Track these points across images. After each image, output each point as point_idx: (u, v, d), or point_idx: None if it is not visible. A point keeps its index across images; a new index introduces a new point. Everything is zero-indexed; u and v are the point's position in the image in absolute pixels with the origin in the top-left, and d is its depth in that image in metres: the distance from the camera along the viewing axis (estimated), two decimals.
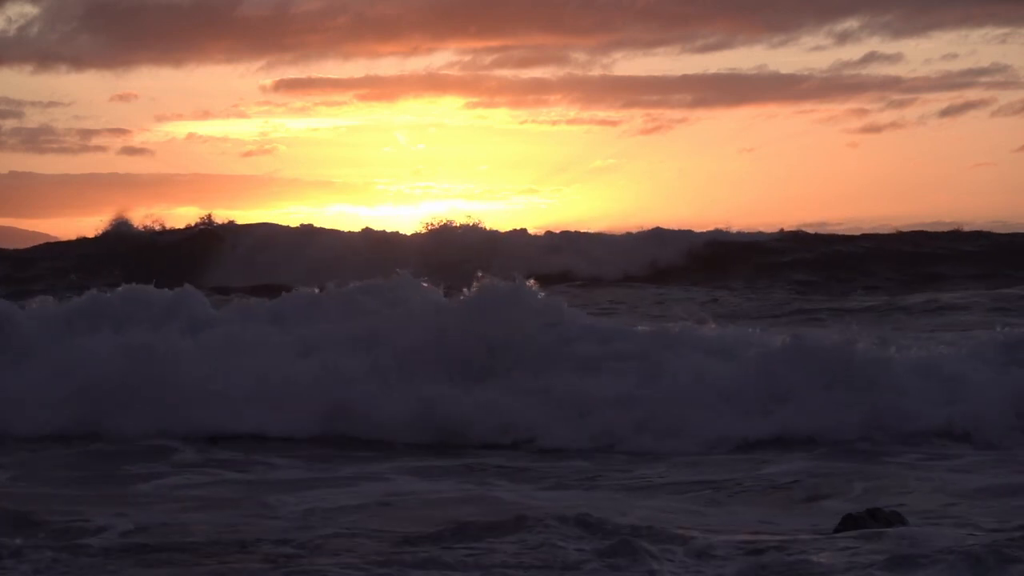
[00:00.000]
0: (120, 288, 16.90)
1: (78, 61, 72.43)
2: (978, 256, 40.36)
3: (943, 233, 43.33)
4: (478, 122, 68.08)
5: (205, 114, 78.42)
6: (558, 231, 44.36)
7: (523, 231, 43.60)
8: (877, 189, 77.12)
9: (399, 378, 15.09)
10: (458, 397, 14.74)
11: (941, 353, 15.79)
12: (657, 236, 42.79)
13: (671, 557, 8.02)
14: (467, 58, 77.66)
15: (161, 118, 75.77)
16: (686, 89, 71.27)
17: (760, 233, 43.57)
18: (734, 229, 43.42)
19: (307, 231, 43.45)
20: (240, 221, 44.69)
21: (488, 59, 79.60)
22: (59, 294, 18.66)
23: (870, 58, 67.57)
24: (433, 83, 66.78)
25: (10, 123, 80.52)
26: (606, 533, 8.47)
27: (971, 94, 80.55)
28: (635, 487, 11.85)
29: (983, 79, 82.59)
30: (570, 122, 68.66)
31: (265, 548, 8.43)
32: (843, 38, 75.25)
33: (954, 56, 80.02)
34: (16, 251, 43.91)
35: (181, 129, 78.35)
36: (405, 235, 42.81)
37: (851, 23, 79.87)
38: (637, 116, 79.47)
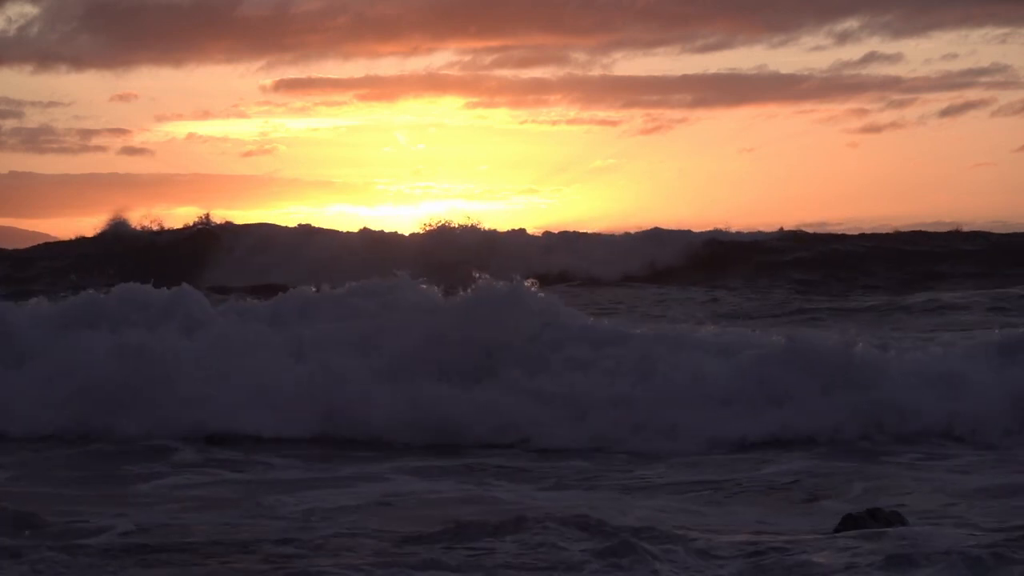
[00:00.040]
0: (116, 288, 16.88)
1: (78, 61, 72.49)
2: (978, 256, 40.34)
3: (943, 233, 43.33)
4: (478, 122, 68.14)
5: (205, 114, 78.49)
6: (557, 231, 44.41)
7: (522, 231, 43.57)
8: (877, 189, 77.17)
9: (398, 379, 15.09)
10: (457, 397, 14.74)
11: (941, 353, 15.80)
12: (656, 236, 42.75)
13: (672, 558, 8.02)
14: (467, 58, 77.71)
15: (161, 118, 75.81)
16: (686, 89, 71.32)
17: (760, 233, 43.54)
18: (733, 229, 43.49)
19: (305, 231, 43.43)
20: (240, 221, 44.74)
21: (488, 59, 79.64)
22: (58, 294, 18.65)
23: (870, 58, 67.64)
24: (433, 83, 66.84)
25: (10, 123, 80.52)
26: (606, 534, 8.47)
27: (971, 94, 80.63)
28: (635, 487, 11.84)
29: (983, 79, 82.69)
30: (570, 122, 68.74)
31: (265, 548, 8.42)
32: (843, 38, 75.31)
33: (954, 56, 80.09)
34: (16, 251, 43.89)
35: (181, 129, 78.41)
36: (403, 235, 42.79)
37: (851, 23, 79.95)
38: (637, 116, 79.53)
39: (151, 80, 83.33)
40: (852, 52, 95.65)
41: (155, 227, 43.37)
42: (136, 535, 8.98)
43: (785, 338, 15.65)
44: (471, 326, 15.67)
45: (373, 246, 40.98)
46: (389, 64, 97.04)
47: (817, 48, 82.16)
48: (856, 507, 9.75)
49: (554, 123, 67.92)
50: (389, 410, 14.60)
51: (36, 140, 74.17)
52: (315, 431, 14.45)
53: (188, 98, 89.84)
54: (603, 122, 71.87)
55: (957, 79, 77.51)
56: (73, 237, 44.07)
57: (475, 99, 75.78)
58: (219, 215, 44.46)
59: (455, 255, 36.88)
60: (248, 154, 76.70)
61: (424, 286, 16.60)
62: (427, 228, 41.89)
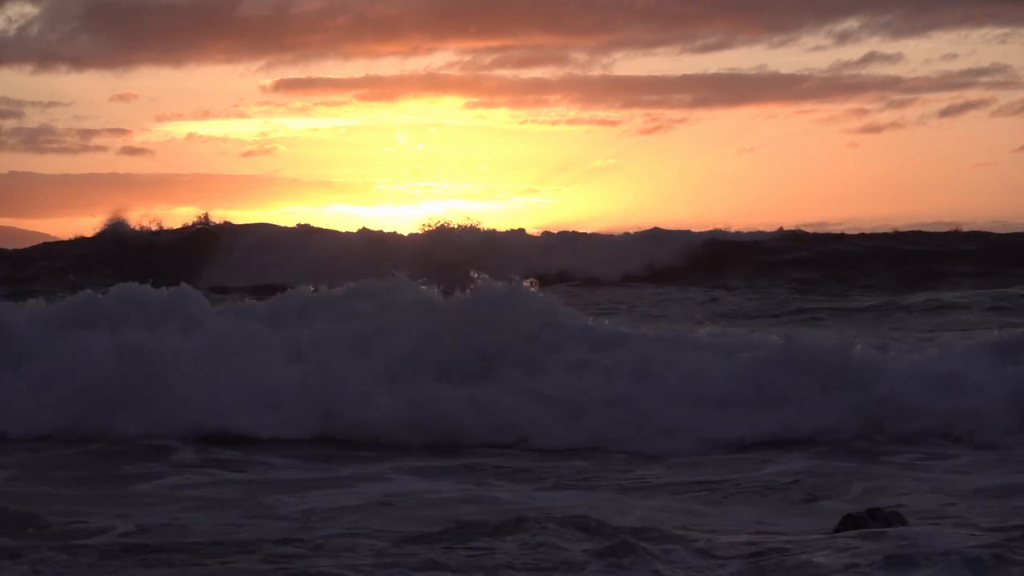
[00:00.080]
0: (115, 288, 16.86)
1: (78, 61, 72.55)
2: (977, 256, 40.33)
3: (943, 233, 43.33)
4: (478, 122, 68.18)
5: (205, 114, 78.55)
6: (557, 231, 44.39)
7: (521, 231, 43.55)
8: (877, 189, 77.19)
9: (397, 379, 15.08)
10: (456, 398, 14.74)
11: (940, 353, 15.80)
12: (656, 236, 42.73)
13: (672, 558, 8.02)
14: (467, 58, 77.79)
15: (161, 118, 75.86)
16: (686, 89, 71.36)
17: (760, 233, 43.52)
18: (733, 229, 43.48)
19: (304, 231, 43.43)
20: (239, 221, 44.76)
21: (488, 59, 79.71)
22: (57, 294, 18.62)
23: (870, 58, 67.72)
24: (433, 83, 66.87)
25: (10, 123, 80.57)
26: (606, 534, 8.47)
27: (971, 94, 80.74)
28: (634, 487, 11.84)
29: (983, 79, 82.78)
30: (570, 122, 68.77)
31: (265, 548, 8.42)
32: (843, 38, 75.42)
33: (954, 56, 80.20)
34: (15, 251, 43.88)
35: (181, 129, 78.47)
36: (402, 235, 42.78)
37: (851, 23, 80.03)
38: (637, 116, 79.59)
39: (151, 80, 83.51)
40: (852, 52, 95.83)
41: (154, 227, 43.42)
42: (136, 535, 8.98)
43: (784, 338, 15.65)
44: (470, 326, 15.68)
45: (372, 246, 40.96)
46: (389, 64, 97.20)
47: (817, 48, 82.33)
48: (856, 507, 9.75)
49: (554, 123, 68.03)
50: (389, 410, 14.60)
51: (36, 140, 74.28)
52: (315, 431, 14.45)
53: (188, 98, 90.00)
54: (603, 122, 72.01)
55: (957, 79, 77.68)
56: (72, 237, 44.14)
57: (475, 99, 75.93)
58: (219, 215, 44.56)
59: (454, 255, 36.84)
60: (248, 154, 76.78)
61: (423, 286, 16.60)
62: (426, 228, 41.91)
